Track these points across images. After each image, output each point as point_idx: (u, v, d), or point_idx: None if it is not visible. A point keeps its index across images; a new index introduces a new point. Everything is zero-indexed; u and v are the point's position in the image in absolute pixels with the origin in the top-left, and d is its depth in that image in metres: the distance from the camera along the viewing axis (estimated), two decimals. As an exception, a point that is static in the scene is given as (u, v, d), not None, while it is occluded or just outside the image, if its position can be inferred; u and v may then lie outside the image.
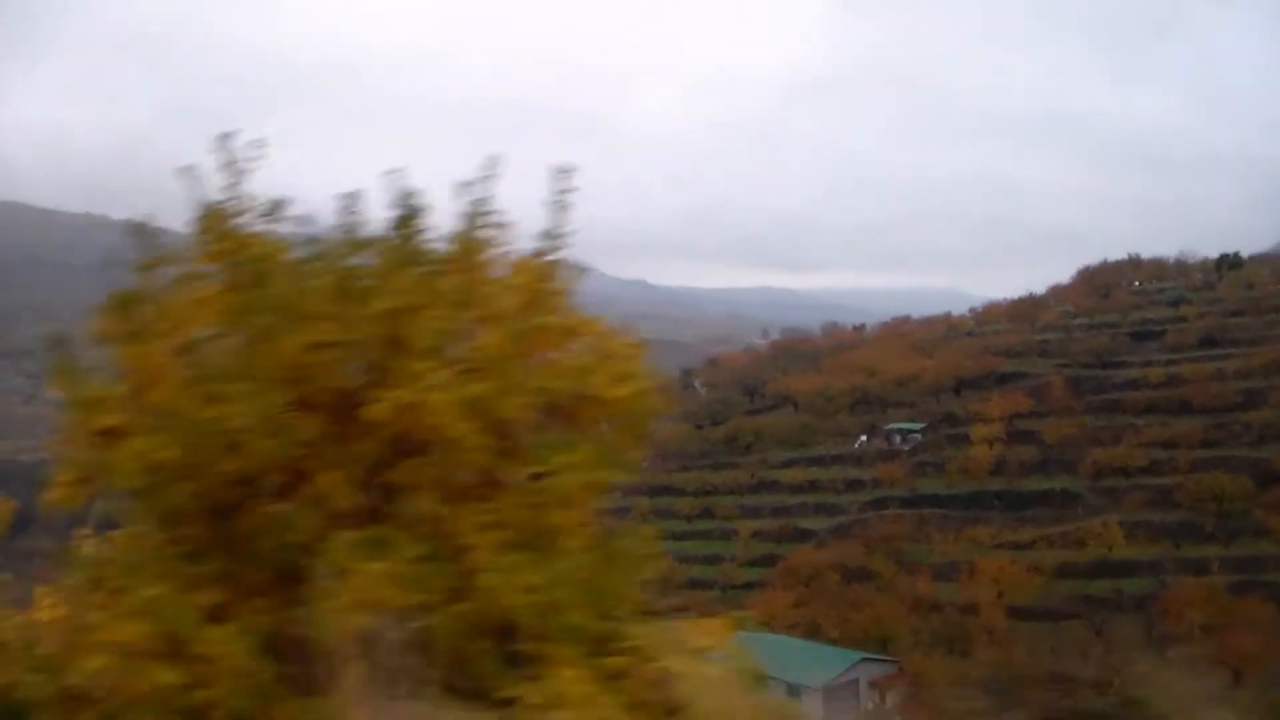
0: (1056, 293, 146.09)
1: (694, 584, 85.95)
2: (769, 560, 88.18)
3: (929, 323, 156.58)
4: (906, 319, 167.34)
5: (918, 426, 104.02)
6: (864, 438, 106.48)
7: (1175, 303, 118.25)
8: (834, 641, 69.00)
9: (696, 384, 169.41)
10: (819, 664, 64.52)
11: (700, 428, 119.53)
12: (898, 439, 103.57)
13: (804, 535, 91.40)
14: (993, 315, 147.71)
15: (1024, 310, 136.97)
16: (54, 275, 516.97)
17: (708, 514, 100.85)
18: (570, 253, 6.26)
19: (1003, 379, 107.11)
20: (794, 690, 63.27)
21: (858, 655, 64.67)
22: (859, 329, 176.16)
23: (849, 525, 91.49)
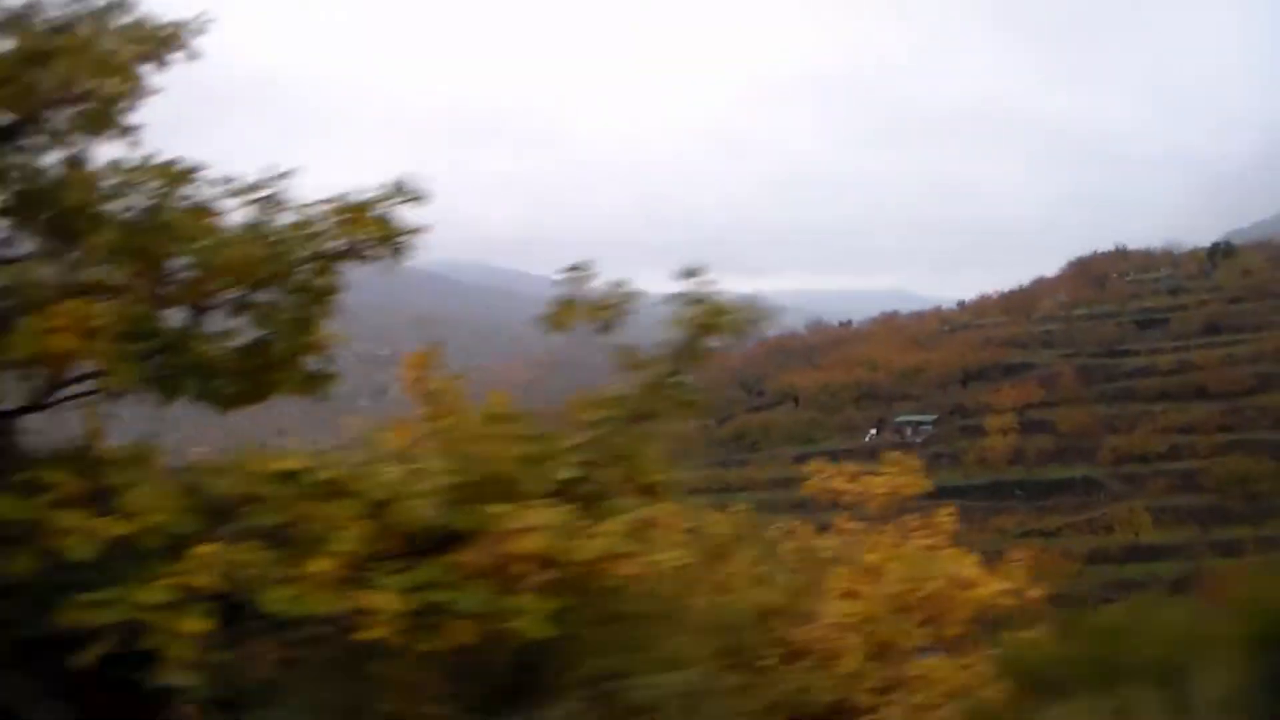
0: (1046, 285, 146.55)
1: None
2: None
3: (920, 318, 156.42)
4: (895, 315, 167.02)
5: (929, 418, 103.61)
6: (873, 431, 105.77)
7: (1173, 291, 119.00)
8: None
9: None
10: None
11: (704, 426, 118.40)
12: (909, 431, 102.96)
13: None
14: (984, 308, 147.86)
15: (1017, 302, 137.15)
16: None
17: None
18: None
19: (1009, 370, 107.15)
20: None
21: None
22: (845, 325, 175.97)
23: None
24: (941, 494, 77.41)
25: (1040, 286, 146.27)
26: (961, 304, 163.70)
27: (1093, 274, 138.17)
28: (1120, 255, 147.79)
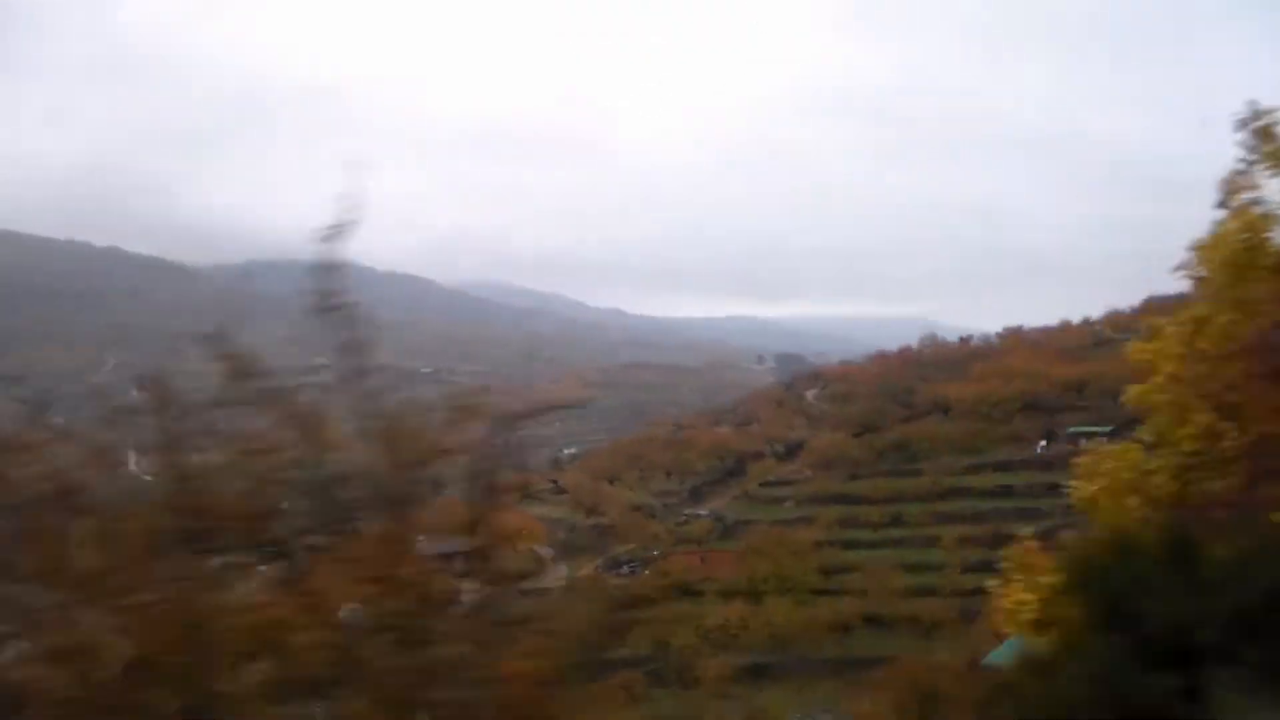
0: (1185, 298, 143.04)
1: (920, 591, 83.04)
2: (983, 567, 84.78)
3: (1047, 333, 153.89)
4: (1019, 329, 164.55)
5: (1104, 429, 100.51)
6: (1043, 442, 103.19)
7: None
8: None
9: (808, 395, 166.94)
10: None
11: (858, 435, 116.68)
12: (1083, 442, 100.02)
13: (1012, 540, 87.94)
14: (1118, 323, 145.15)
15: (1164, 314, 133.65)
16: (43, 302, 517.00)
17: (897, 522, 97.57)
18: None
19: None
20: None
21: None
22: (965, 340, 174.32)
23: (1056, 529, 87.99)
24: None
25: (1180, 300, 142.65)
26: (1087, 320, 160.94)
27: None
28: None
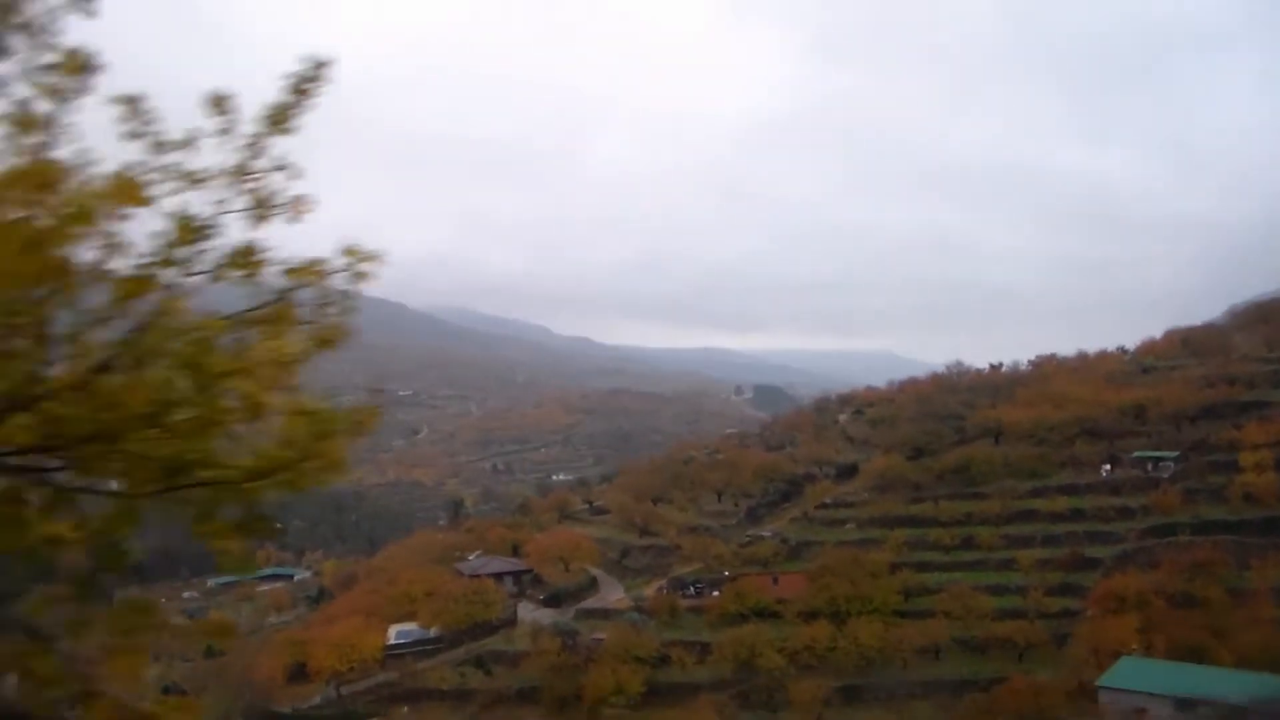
0: (1219, 329, 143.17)
1: (1005, 614, 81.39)
2: (1064, 590, 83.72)
3: (1085, 361, 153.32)
4: (1052, 357, 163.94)
5: (1171, 455, 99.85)
6: (1107, 466, 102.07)
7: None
8: (1228, 666, 64.53)
9: (841, 419, 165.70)
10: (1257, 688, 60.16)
11: (912, 459, 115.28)
12: (1150, 466, 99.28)
13: (1091, 564, 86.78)
14: (1151, 351, 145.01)
15: (1204, 344, 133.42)
16: None
17: (968, 545, 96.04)
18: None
19: (1243, 408, 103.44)
20: (1237, 713, 58.94)
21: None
22: (996, 368, 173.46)
23: (1134, 553, 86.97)
24: (1208, 528, 74.54)
25: (1213, 329, 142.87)
26: (1122, 349, 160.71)
27: (1275, 316, 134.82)
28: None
